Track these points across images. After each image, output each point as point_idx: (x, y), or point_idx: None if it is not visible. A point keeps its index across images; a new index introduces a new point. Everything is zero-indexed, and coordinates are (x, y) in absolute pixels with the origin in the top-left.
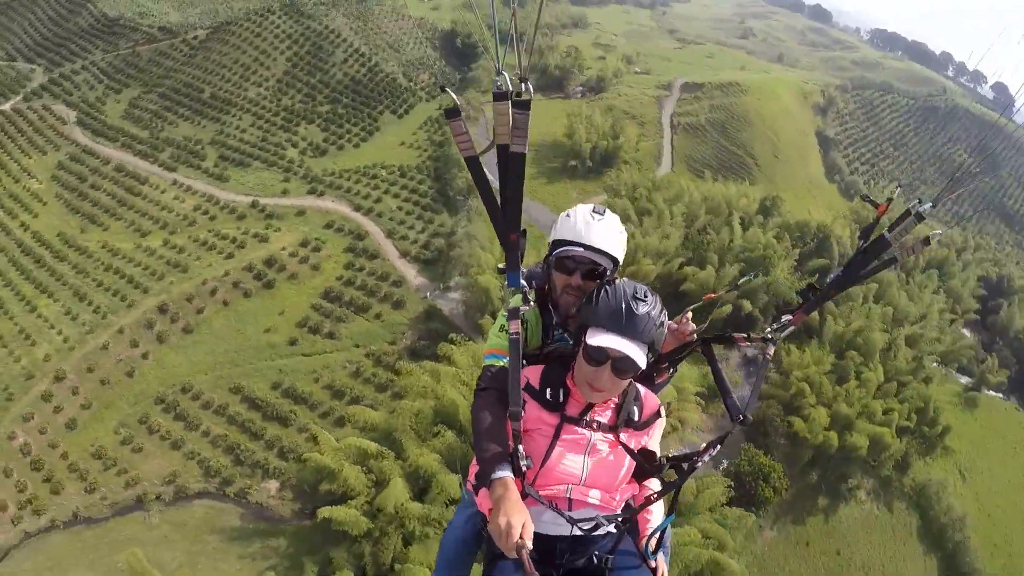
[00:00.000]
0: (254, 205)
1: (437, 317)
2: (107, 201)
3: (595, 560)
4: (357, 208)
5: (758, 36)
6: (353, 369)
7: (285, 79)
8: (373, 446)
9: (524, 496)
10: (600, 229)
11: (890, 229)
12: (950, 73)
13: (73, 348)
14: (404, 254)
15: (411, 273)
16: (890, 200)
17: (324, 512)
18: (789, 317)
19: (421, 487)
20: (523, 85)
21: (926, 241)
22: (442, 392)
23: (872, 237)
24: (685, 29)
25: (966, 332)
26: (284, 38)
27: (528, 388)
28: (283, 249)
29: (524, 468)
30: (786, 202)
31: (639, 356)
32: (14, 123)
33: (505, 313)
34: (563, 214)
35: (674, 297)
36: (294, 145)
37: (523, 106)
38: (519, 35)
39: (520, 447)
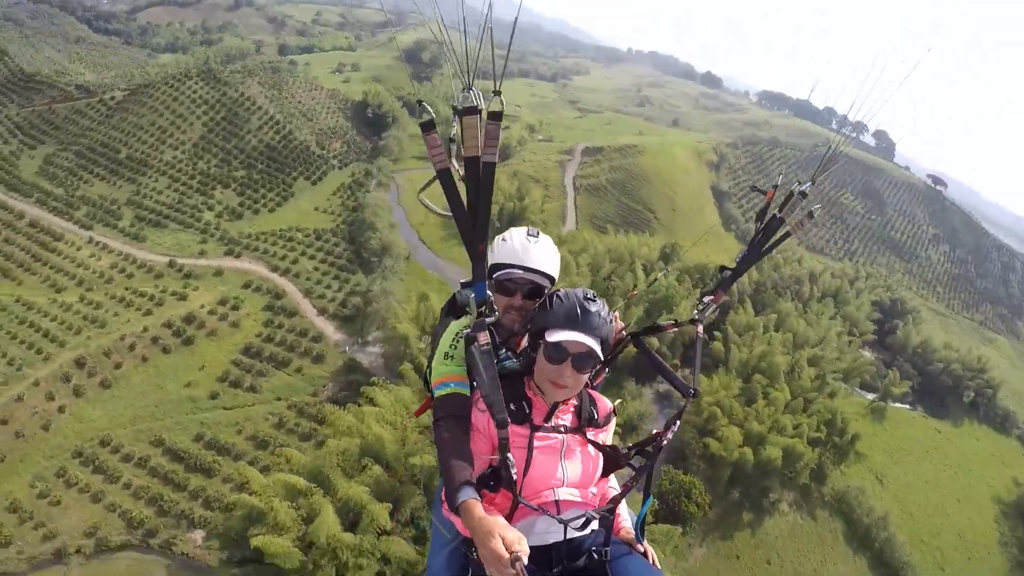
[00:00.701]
0: (171, 265)
1: (357, 369)
2: (20, 256)
3: (594, 556)
4: (274, 269)
5: (654, 104)
6: (276, 420)
7: (201, 143)
8: (302, 482)
9: (516, 506)
10: (537, 250)
11: (780, 209)
12: (834, 126)
13: None
14: (322, 312)
15: (330, 329)
16: (775, 187)
17: (256, 542)
18: (710, 297)
19: (352, 520)
20: (498, 97)
21: (810, 215)
22: (367, 430)
23: (767, 218)
24: (586, 100)
25: (865, 352)
26: (200, 103)
27: None
28: (202, 307)
29: (513, 476)
30: (685, 249)
31: (597, 348)
32: None
33: (456, 338)
34: (499, 238)
35: None
36: (210, 208)
37: (496, 117)
38: (491, 54)
39: (509, 455)
